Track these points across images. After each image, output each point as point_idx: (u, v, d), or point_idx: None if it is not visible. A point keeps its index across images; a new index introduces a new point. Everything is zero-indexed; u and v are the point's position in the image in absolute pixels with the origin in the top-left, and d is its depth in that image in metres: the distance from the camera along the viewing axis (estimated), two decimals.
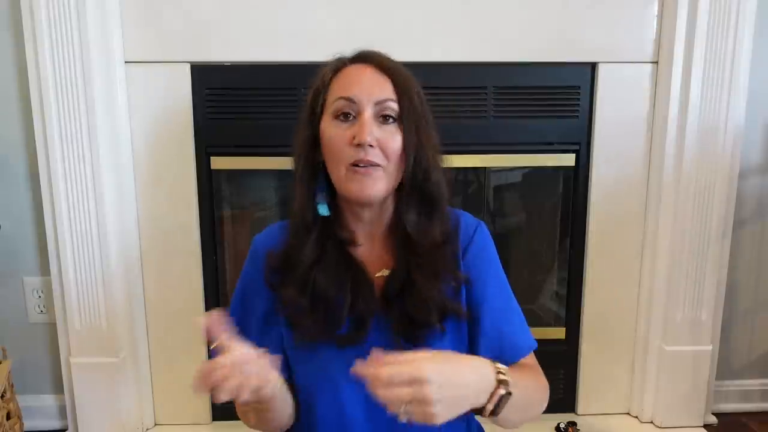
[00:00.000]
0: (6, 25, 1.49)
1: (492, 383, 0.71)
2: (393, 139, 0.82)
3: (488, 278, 0.90)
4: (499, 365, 0.73)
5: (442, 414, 0.65)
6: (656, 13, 1.49)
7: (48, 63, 1.39)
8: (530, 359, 0.91)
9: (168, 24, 1.45)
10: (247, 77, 1.50)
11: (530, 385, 0.85)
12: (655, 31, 1.50)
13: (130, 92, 1.48)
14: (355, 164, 0.81)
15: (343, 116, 0.82)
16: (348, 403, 0.87)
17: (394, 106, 0.82)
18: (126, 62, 1.47)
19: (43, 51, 1.39)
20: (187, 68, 1.48)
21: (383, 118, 0.82)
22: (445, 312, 0.85)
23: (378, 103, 0.82)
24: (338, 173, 0.83)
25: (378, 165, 0.81)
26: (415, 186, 0.85)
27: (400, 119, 0.82)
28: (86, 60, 1.40)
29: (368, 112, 0.81)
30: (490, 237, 0.93)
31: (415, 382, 0.64)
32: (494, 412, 0.72)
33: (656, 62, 1.52)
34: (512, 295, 0.93)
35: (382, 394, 0.63)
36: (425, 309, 0.83)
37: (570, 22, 1.49)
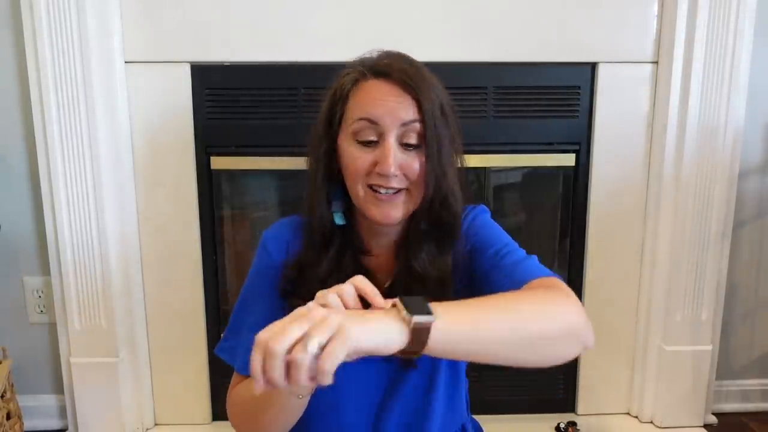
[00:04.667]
0: (6, 24, 1.49)
1: (393, 309, 0.58)
2: (415, 163, 0.79)
3: (482, 239, 0.86)
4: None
5: (357, 328, 0.53)
6: (656, 13, 1.49)
7: (48, 63, 1.39)
8: (549, 280, 0.75)
9: (168, 24, 1.45)
10: (247, 77, 1.50)
11: (510, 298, 0.68)
12: (655, 31, 1.50)
13: (130, 92, 1.48)
14: (375, 187, 0.79)
15: (364, 139, 0.79)
16: (347, 414, 0.86)
17: (419, 127, 0.78)
18: (126, 62, 1.47)
19: (43, 51, 1.39)
20: (187, 68, 1.48)
21: (406, 142, 0.79)
22: None
23: (403, 125, 0.78)
24: (357, 193, 0.81)
25: (400, 189, 0.80)
26: (431, 214, 0.82)
27: (423, 142, 0.79)
28: (86, 60, 1.40)
29: (392, 138, 0.78)
30: (484, 212, 0.91)
31: (297, 316, 0.54)
32: (418, 341, 0.57)
33: (656, 62, 1.52)
34: (514, 244, 0.85)
35: (272, 347, 0.52)
36: None
37: (570, 22, 1.49)
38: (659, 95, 1.52)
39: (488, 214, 0.91)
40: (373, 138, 0.79)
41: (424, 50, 1.46)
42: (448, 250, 0.84)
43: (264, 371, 0.53)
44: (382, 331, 0.55)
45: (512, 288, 0.74)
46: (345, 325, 0.53)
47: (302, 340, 0.52)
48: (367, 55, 0.84)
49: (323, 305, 0.60)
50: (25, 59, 1.43)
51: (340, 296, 0.61)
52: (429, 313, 0.57)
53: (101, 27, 1.41)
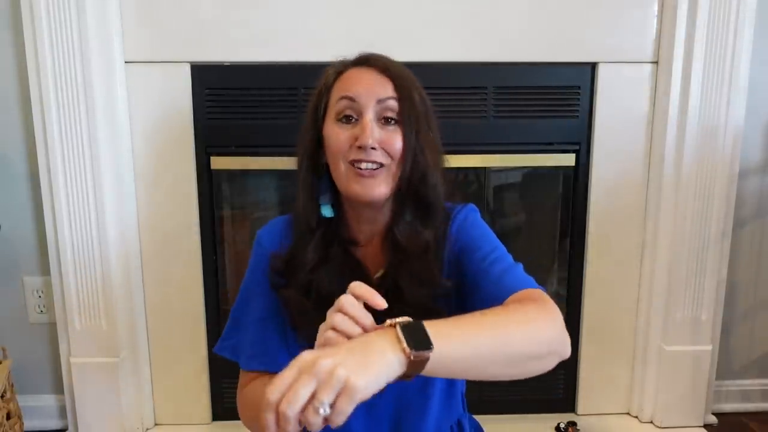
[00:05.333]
0: (6, 25, 1.49)
1: (393, 335, 0.60)
2: (395, 139, 0.82)
3: (471, 240, 0.87)
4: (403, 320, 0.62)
5: (362, 381, 0.54)
6: (656, 13, 1.49)
7: (48, 63, 1.39)
8: (533, 293, 0.77)
9: (168, 24, 1.45)
10: (247, 77, 1.50)
11: (500, 320, 0.68)
12: (655, 31, 1.50)
13: (130, 92, 1.48)
14: (356, 163, 0.82)
15: (345, 119, 0.83)
16: None
17: (395, 105, 0.82)
18: (126, 62, 1.47)
19: (43, 51, 1.39)
20: (187, 68, 1.48)
21: (385, 120, 0.83)
22: (429, 315, 0.83)
23: (380, 101, 0.82)
24: (339, 172, 0.84)
25: (381, 165, 0.82)
26: (410, 189, 0.84)
27: (401, 120, 0.83)
28: (86, 60, 1.40)
29: (370, 114, 0.82)
30: (474, 211, 0.92)
31: (303, 370, 0.55)
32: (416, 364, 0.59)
33: (656, 62, 1.52)
34: (502, 248, 0.86)
35: (284, 411, 0.53)
36: (408, 314, 0.81)
37: (570, 22, 1.49)
38: (659, 95, 1.52)
39: (478, 214, 0.92)
40: (352, 115, 0.83)
41: (424, 50, 1.48)
42: (429, 225, 0.86)
43: (278, 427, 0.55)
44: (385, 372, 0.57)
45: (498, 296, 0.76)
46: (351, 379, 0.54)
47: (311, 400, 0.54)
48: (349, 57, 0.89)
49: (333, 327, 0.63)
50: (25, 59, 1.43)
51: (350, 315, 0.63)
52: (428, 344, 0.59)
53: (101, 27, 1.41)
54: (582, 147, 1.57)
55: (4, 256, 1.62)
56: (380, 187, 0.83)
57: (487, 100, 1.53)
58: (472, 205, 0.93)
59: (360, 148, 0.81)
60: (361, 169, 0.82)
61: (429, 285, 0.83)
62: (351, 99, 0.82)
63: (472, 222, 0.90)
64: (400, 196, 0.85)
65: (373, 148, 0.81)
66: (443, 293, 0.85)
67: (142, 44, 1.46)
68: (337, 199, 0.89)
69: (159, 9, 1.44)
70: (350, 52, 0.89)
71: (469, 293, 0.83)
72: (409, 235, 0.85)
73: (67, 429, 1.64)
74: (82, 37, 1.39)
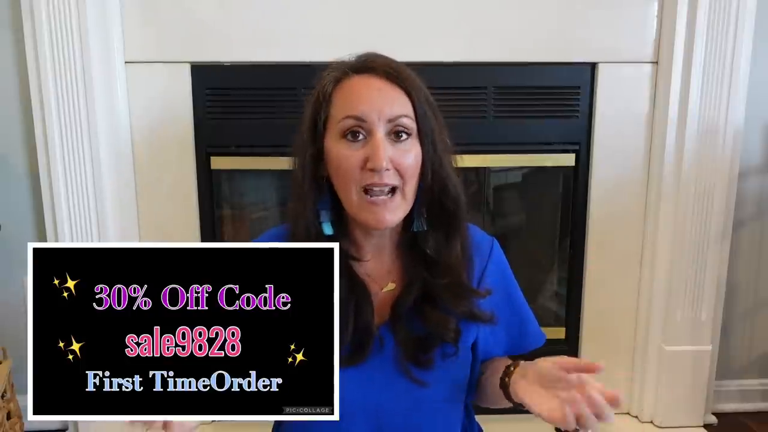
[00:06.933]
0: (6, 24, 1.49)
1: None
2: (407, 156, 0.76)
3: (510, 293, 0.90)
4: None
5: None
6: (656, 13, 1.49)
7: (48, 63, 1.39)
8: None
9: (168, 24, 1.45)
10: (247, 77, 1.50)
11: None
12: (655, 31, 1.50)
13: (130, 92, 1.48)
14: (369, 188, 0.76)
15: (352, 135, 0.76)
16: (349, 419, 0.83)
17: (406, 121, 0.77)
18: (126, 62, 1.47)
19: (43, 51, 1.39)
20: (187, 68, 1.48)
21: (395, 135, 0.77)
22: (473, 319, 0.83)
23: (390, 120, 0.76)
24: (350, 198, 0.77)
25: (393, 188, 0.76)
26: (432, 203, 0.81)
27: (416, 134, 0.78)
28: (86, 60, 1.40)
29: (380, 132, 0.75)
30: (503, 254, 0.91)
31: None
32: None
33: (656, 62, 1.52)
34: (523, 297, 0.93)
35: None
36: (443, 326, 0.80)
37: (570, 22, 1.49)
38: (659, 95, 1.52)
39: (505, 258, 0.91)
40: (360, 131, 0.76)
41: (424, 50, 1.47)
42: (454, 236, 0.83)
43: None
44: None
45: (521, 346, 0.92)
46: None
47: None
48: (346, 59, 0.83)
49: None
50: (25, 59, 1.43)
51: None
52: None
53: (101, 27, 1.41)
54: (582, 147, 1.57)
55: (4, 256, 1.62)
56: (393, 215, 0.77)
57: (487, 100, 1.53)
58: (498, 245, 0.91)
59: (372, 170, 0.75)
60: (373, 194, 0.76)
61: (467, 294, 0.82)
62: (358, 119, 0.75)
63: (508, 273, 0.90)
64: (421, 213, 0.81)
65: (386, 170, 0.75)
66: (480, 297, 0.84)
67: (142, 44, 1.46)
68: (338, 214, 0.83)
69: (159, 9, 1.44)
70: (350, 53, 0.87)
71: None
72: (437, 252, 0.81)
73: (67, 429, 1.64)
74: (82, 37, 1.39)
